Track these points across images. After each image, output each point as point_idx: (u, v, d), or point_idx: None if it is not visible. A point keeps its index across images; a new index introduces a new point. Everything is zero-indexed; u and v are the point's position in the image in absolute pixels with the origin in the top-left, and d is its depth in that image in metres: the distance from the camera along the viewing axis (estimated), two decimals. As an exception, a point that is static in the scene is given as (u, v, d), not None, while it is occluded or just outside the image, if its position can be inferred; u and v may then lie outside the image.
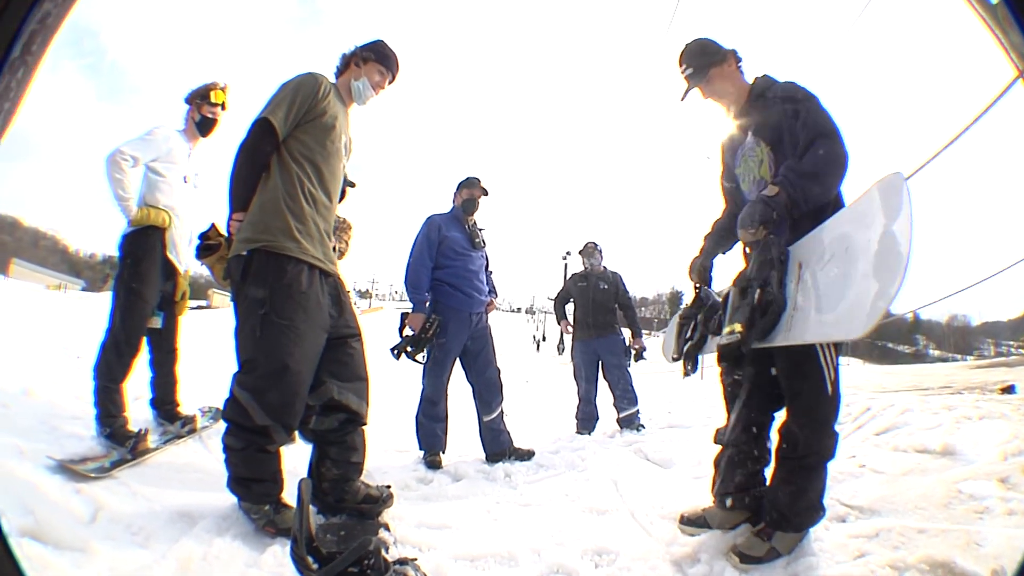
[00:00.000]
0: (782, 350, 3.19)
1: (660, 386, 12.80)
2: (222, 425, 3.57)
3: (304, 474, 3.75)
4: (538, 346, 55.20)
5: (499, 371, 6.28)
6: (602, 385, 8.34)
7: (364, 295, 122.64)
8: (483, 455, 6.04)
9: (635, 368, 8.49)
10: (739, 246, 3.79)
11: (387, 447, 6.28)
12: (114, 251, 5.07)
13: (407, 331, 5.93)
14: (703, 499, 3.73)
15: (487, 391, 6.12)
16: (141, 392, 5.48)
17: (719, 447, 3.67)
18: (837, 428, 3.16)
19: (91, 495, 3.44)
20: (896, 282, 2.35)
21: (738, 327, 3.11)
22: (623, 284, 8.70)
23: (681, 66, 3.72)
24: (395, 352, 5.88)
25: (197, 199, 5.48)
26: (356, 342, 3.87)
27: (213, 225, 3.76)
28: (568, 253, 47.46)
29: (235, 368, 3.49)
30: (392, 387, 8.33)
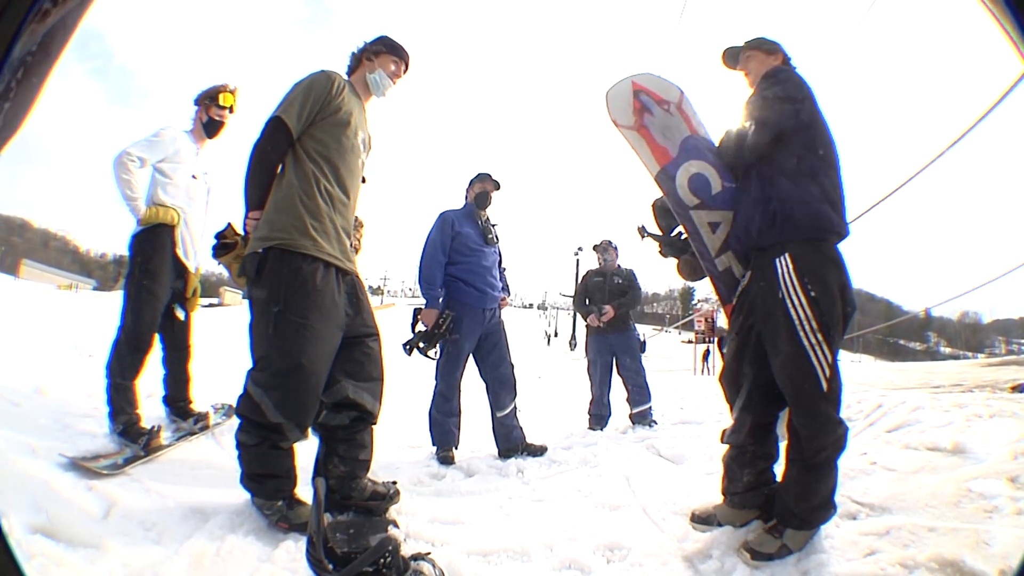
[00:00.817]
0: (774, 350, 3.27)
1: (672, 382, 12.78)
2: (235, 422, 3.59)
3: (313, 469, 3.76)
4: (548, 340, 55.22)
5: (512, 367, 6.27)
6: (615, 381, 8.33)
7: (376, 292, 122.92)
8: (496, 451, 6.05)
9: (647, 364, 8.49)
10: None
11: (400, 443, 6.32)
12: (125, 251, 5.10)
13: (419, 327, 5.91)
14: (714, 496, 3.71)
15: (500, 387, 6.11)
16: (154, 389, 5.51)
17: (727, 446, 3.68)
18: (845, 420, 3.17)
19: (104, 492, 3.46)
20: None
21: None
22: (636, 280, 8.67)
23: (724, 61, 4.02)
24: (407, 348, 5.86)
25: (206, 197, 5.51)
26: (373, 341, 3.86)
27: (229, 224, 3.77)
28: (580, 249, 47.37)
29: (249, 365, 3.49)
30: (405, 383, 8.32)
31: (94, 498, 3.38)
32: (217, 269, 3.91)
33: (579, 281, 9.23)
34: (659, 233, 4.21)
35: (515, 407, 6.16)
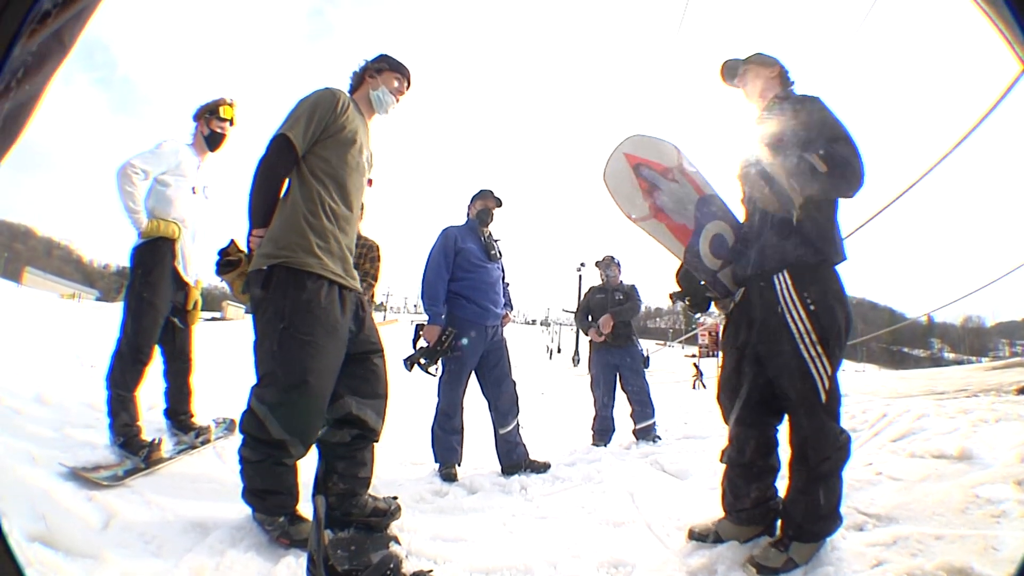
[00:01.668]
0: (773, 363, 3.30)
1: (675, 397, 12.77)
2: (236, 436, 3.58)
3: (313, 486, 3.74)
4: (551, 354, 55.28)
5: (515, 384, 6.24)
6: (619, 396, 8.27)
7: (379, 308, 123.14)
8: (499, 468, 6.00)
9: (650, 378, 8.46)
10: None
11: (402, 460, 6.27)
12: (126, 262, 5.11)
13: (421, 343, 5.90)
14: (715, 512, 3.72)
15: (503, 404, 6.07)
16: (155, 402, 5.52)
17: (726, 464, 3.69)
18: (847, 429, 3.17)
19: (104, 503, 3.46)
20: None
21: None
22: (637, 295, 8.64)
23: (723, 76, 3.96)
24: (408, 363, 5.84)
25: (207, 211, 5.52)
26: (378, 358, 3.85)
27: (233, 241, 3.77)
28: (583, 265, 47.28)
29: (252, 381, 3.48)
30: (407, 399, 8.31)
31: (93, 508, 3.38)
32: (219, 283, 3.93)
33: (581, 298, 9.21)
34: (690, 302, 4.14)
35: (518, 424, 6.13)
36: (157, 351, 5.11)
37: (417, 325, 6.01)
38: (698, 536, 3.63)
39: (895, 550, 3.10)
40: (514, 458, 5.97)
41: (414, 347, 5.90)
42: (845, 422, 5.63)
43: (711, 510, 3.87)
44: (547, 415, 11.30)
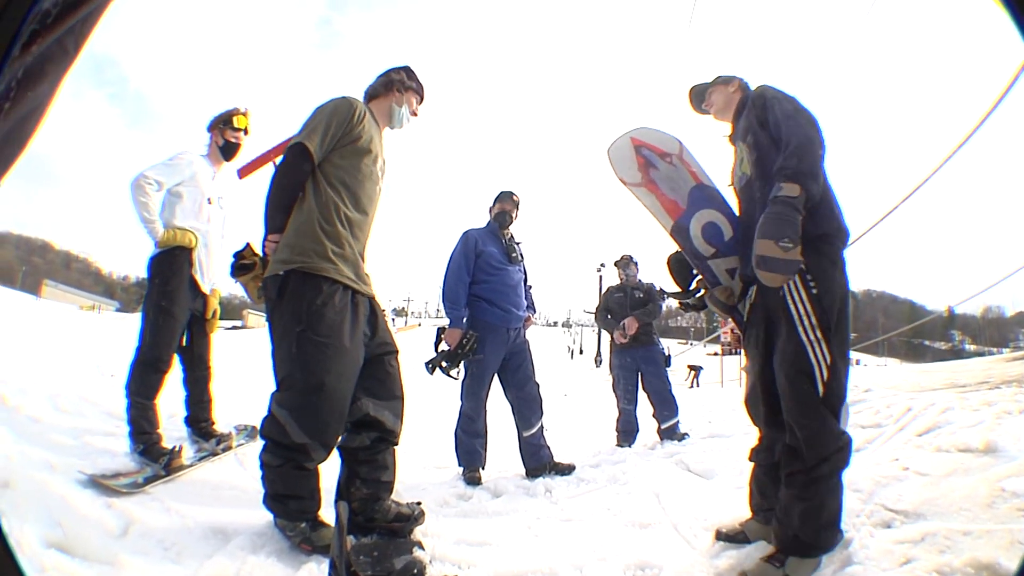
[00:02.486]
0: (776, 350, 3.22)
1: (699, 395, 12.72)
2: (258, 443, 3.58)
3: (335, 491, 3.75)
4: (572, 355, 55.37)
5: (538, 386, 6.22)
6: (641, 396, 8.26)
7: (400, 313, 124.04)
8: (523, 470, 5.98)
9: (672, 377, 8.46)
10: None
11: (426, 464, 6.27)
12: (145, 273, 5.15)
13: (443, 346, 5.90)
14: (742, 511, 3.67)
15: (526, 407, 6.05)
16: (175, 410, 5.54)
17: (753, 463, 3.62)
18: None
19: (122, 509, 3.46)
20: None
21: None
22: (656, 292, 8.61)
23: (692, 104, 4.15)
24: (429, 366, 5.84)
25: (223, 220, 5.55)
26: (393, 360, 3.88)
27: (248, 244, 3.79)
28: (603, 265, 47.11)
29: (272, 387, 3.50)
30: (430, 403, 8.33)
31: (112, 515, 3.38)
32: (239, 292, 3.94)
33: (600, 298, 9.19)
34: (678, 291, 4.16)
35: (542, 426, 6.09)
36: (176, 359, 5.13)
37: (439, 328, 6.04)
38: (725, 537, 3.56)
39: (923, 547, 3.02)
40: (538, 460, 5.93)
41: (436, 351, 5.89)
42: (870, 417, 5.58)
43: (738, 510, 3.83)
44: (571, 416, 11.25)
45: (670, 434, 7.83)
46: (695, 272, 4.01)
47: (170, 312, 4.93)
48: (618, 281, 8.96)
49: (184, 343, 5.24)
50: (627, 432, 8.06)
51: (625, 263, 8.87)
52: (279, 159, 3.64)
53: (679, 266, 4.08)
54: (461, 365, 5.88)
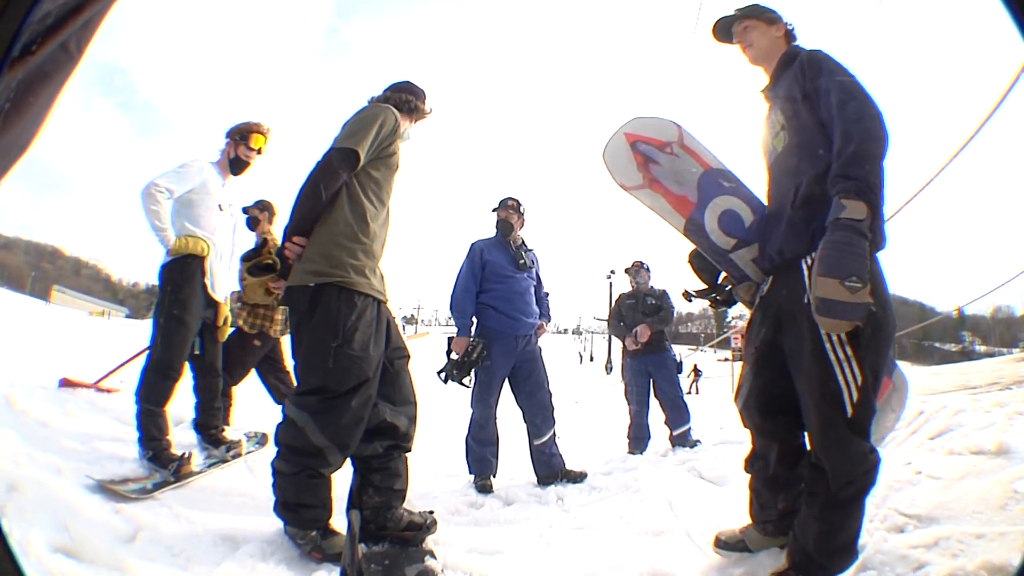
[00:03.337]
0: (796, 366, 2.95)
1: (710, 401, 12.72)
2: (268, 450, 3.59)
3: (347, 500, 3.74)
4: (581, 359, 55.58)
5: (550, 395, 6.21)
6: (653, 403, 8.27)
7: (410, 321, 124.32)
8: (535, 478, 5.97)
9: (684, 383, 8.48)
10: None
11: (437, 472, 6.25)
12: (155, 280, 5.18)
13: (452, 355, 5.95)
14: (741, 519, 3.57)
15: (537, 415, 6.04)
16: (185, 416, 5.57)
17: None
18: (878, 447, 2.97)
19: (131, 515, 3.45)
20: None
21: None
22: (668, 299, 8.65)
23: (716, 35, 3.67)
24: (442, 376, 5.93)
25: (232, 228, 5.56)
26: (406, 364, 3.89)
27: (267, 241, 3.77)
28: (612, 272, 47.08)
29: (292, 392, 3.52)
30: (441, 411, 8.33)
31: (120, 521, 3.37)
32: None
33: (612, 304, 9.20)
34: (705, 288, 3.95)
35: (554, 434, 6.07)
36: (187, 366, 5.13)
37: (449, 338, 6.09)
38: (724, 544, 3.46)
39: (936, 551, 2.99)
40: (550, 469, 5.92)
41: (448, 359, 5.94)
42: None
43: (733, 520, 3.76)
44: (582, 424, 11.25)
45: (681, 441, 7.86)
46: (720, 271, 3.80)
47: (182, 320, 4.94)
48: (630, 288, 8.98)
49: (196, 351, 5.25)
50: (639, 439, 8.06)
51: (636, 270, 8.89)
52: (319, 159, 3.56)
53: (701, 262, 3.86)
54: (472, 373, 5.91)
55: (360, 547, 3.29)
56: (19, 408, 5.14)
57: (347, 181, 3.58)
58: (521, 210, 6.47)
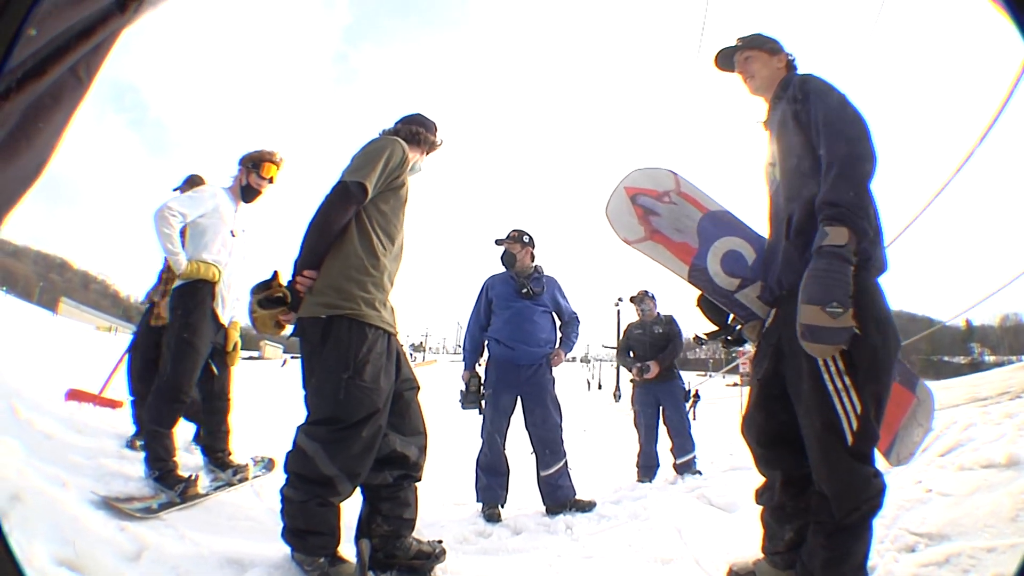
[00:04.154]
0: (796, 397, 2.94)
1: (719, 428, 12.71)
2: (275, 475, 3.59)
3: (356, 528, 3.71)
4: (588, 385, 55.87)
5: (558, 426, 6.15)
6: (662, 431, 8.30)
7: (418, 348, 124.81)
8: (544, 507, 5.94)
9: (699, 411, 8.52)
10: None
11: (445, 500, 6.23)
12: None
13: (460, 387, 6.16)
14: (753, 550, 3.52)
15: (544, 448, 6.02)
16: (192, 439, 5.61)
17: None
18: (881, 471, 2.92)
19: (136, 533, 3.44)
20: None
21: None
22: (677, 327, 8.68)
23: (719, 64, 3.67)
24: (460, 403, 6.19)
25: (244, 253, 5.59)
26: (415, 395, 3.90)
27: (276, 274, 3.79)
28: (620, 299, 47.25)
29: (292, 421, 3.51)
30: (451, 439, 8.36)
31: (125, 539, 3.36)
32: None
33: (621, 335, 9.24)
34: (716, 330, 3.94)
35: (564, 465, 6.04)
36: (195, 390, 5.16)
37: (462, 373, 6.37)
38: None
39: (947, 569, 2.99)
40: (556, 500, 5.88)
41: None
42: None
43: (746, 549, 3.74)
44: (590, 452, 11.21)
45: (686, 468, 7.90)
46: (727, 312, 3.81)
47: (193, 345, 4.96)
48: (636, 318, 9.01)
49: (205, 375, 5.28)
50: (648, 468, 8.08)
51: (640, 299, 8.93)
52: (328, 192, 3.58)
53: (710, 305, 3.87)
54: (479, 402, 6.08)
55: (369, 575, 3.29)
56: (23, 418, 5.18)
57: (356, 214, 3.60)
58: (524, 240, 6.47)
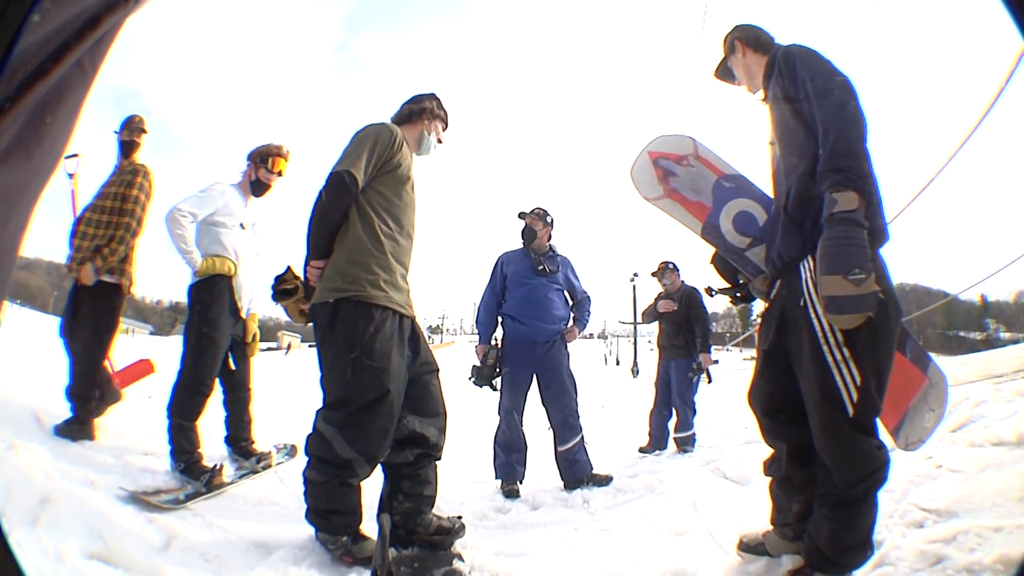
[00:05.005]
0: (798, 369, 2.95)
1: (734, 401, 12.70)
2: (298, 461, 3.64)
3: (378, 505, 3.78)
4: (605, 360, 55.82)
5: (574, 402, 6.20)
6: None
7: (435, 330, 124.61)
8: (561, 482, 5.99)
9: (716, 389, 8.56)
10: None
11: (465, 478, 6.27)
12: (180, 298, 5.29)
13: (475, 362, 6.15)
14: (764, 522, 3.50)
15: (560, 423, 6.06)
16: (215, 429, 5.60)
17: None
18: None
19: (164, 524, 3.53)
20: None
21: None
22: (697, 298, 8.59)
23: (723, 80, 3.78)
24: (472, 380, 6.16)
25: (258, 246, 5.67)
26: (434, 378, 3.94)
27: (289, 268, 3.86)
28: (636, 275, 46.58)
29: (312, 405, 3.58)
30: (469, 418, 8.36)
31: (154, 530, 3.45)
32: (276, 315, 3.97)
33: (647, 307, 9.21)
34: (726, 287, 4.08)
35: (581, 440, 6.08)
36: (217, 382, 5.23)
37: (475, 345, 6.39)
38: (746, 547, 3.43)
39: (954, 546, 2.99)
40: (574, 474, 5.93)
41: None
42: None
43: (756, 521, 3.74)
44: (608, 427, 11.22)
45: (683, 443, 8.01)
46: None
47: (212, 338, 5.04)
48: (661, 290, 9.02)
49: (226, 367, 5.35)
50: (658, 439, 8.21)
51: (663, 272, 8.95)
52: (322, 186, 3.65)
53: (723, 263, 3.99)
54: (494, 378, 6.08)
55: (390, 551, 3.35)
56: (48, 425, 5.22)
57: (356, 200, 3.68)
58: (548, 219, 6.49)
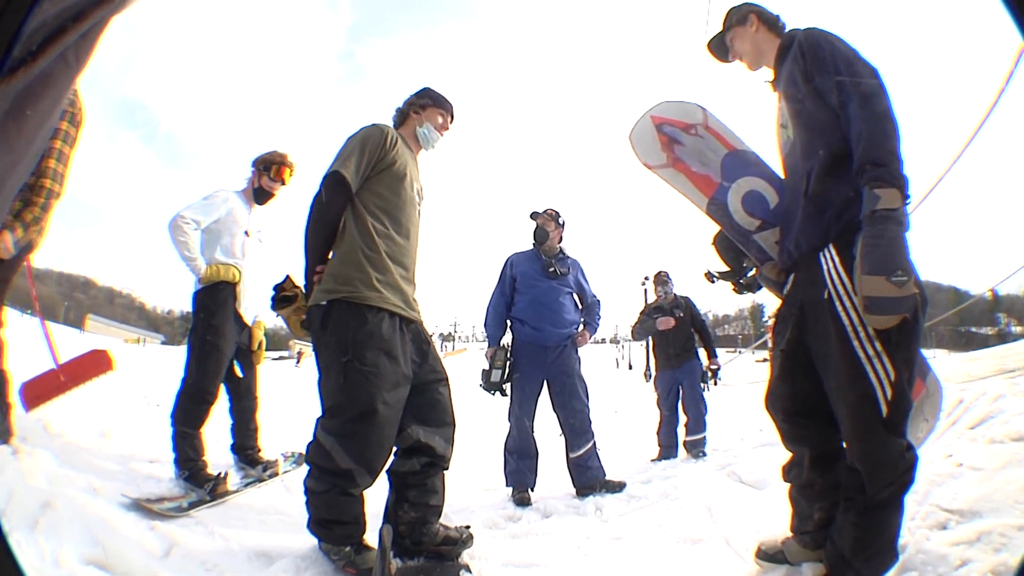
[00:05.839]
0: (824, 366, 2.84)
1: (749, 404, 12.70)
2: (303, 470, 3.60)
3: (383, 515, 3.73)
4: (617, 364, 55.98)
5: (586, 407, 6.11)
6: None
7: (447, 338, 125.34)
8: (573, 489, 5.91)
9: (719, 389, 8.54)
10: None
11: (475, 486, 6.21)
12: (189, 307, 5.23)
13: (484, 365, 6.05)
14: (782, 528, 3.41)
15: (571, 430, 5.99)
16: (222, 437, 5.59)
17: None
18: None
19: (165, 532, 3.49)
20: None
21: None
22: (695, 307, 8.71)
23: (716, 56, 3.65)
24: (481, 385, 6.09)
25: (262, 253, 5.65)
26: (443, 387, 3.86)
27: (288, 276, 3.82)
28: (647, 278, 46.73)
29: (318, 414, 3.53)
30: (480, 425, 8.35)
31: (155, 537, 3.41)
32: (282, 323, 3.92)
33: (637, 319, 9.18)
34: (728, 271, 3.92)
35: (593, 446, 5.99)
36: (222, 389, 5.21)
37: (485, 350, 6.26)
38: (765, 555, 3.34)
39: (979, 547, 2.91)
40: (586, 481, 5.85)
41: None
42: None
43: (775, 528, 3.66)
44: (621, 433, 11.17)
45: (692, 447, 7.98)
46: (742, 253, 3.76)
47: (216, 346, 5.02)
48: (654, 298, 9.07)
49: (232, 374, 5.34)
50: (668, 447, 8.17)
51: (662, 281, 8.95)
52: (315, 191, 3.63)
53: (726, 244, 3.84)
54: (504, 381, 6.02)
55: (395, 562, 3.32)
56: (54, 432, 5.23)
57: (351, 201, 3.66)
58: (560, 221, 6.43)
